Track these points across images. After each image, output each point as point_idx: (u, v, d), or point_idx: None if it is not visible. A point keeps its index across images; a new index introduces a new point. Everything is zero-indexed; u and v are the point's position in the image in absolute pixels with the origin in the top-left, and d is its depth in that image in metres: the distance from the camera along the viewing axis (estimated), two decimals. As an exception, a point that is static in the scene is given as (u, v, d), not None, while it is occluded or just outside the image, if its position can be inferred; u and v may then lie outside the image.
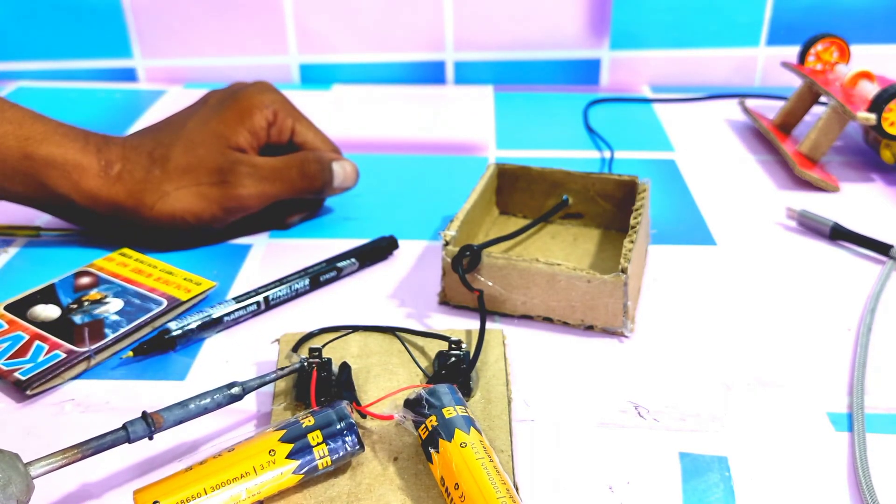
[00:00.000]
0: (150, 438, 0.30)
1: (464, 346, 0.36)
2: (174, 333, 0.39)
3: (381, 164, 0.62)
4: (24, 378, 0.36)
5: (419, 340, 0.39)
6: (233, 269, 0.47)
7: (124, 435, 0.30)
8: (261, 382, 0.34)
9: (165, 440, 0.34)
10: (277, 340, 0.39)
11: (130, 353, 0.39)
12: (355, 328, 0.39)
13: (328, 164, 0.49)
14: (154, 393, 0.37)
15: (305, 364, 0.35)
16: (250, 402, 0.36)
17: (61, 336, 0.39)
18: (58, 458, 0.29)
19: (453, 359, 0.36)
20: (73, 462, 0.29)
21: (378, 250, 0.48)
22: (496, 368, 0.37)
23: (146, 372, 0.38)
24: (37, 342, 0.39)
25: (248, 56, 0.80)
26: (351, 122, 0.70)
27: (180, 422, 0.31)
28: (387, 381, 0.36)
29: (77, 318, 0.41)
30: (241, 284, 0.46)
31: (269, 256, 0.49)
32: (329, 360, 0.35)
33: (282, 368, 0.35)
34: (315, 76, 0.81)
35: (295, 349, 0.38)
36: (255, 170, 0.47)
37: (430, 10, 0.77)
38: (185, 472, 0.29)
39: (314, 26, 0.78)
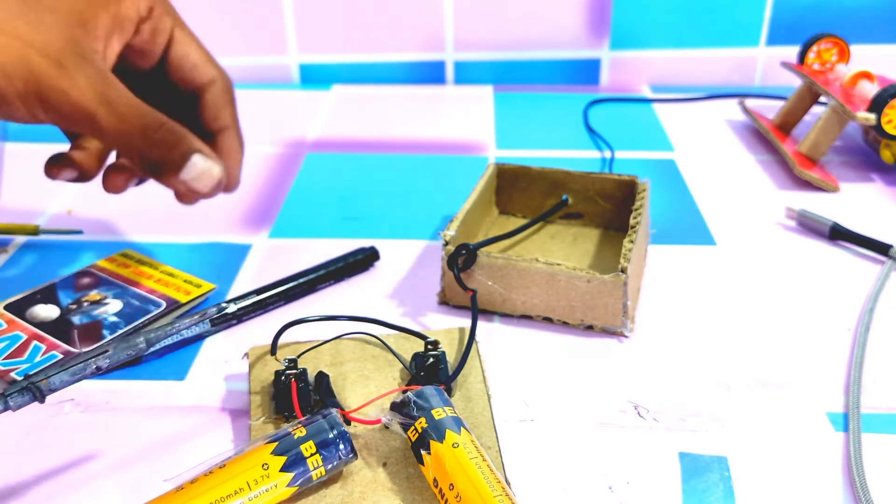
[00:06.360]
0: (41, 402, 0.28)
1: (440, 346, 0.36)
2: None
3: (381, 164, 0.62)
4: (19, 378, 0.36)
5: (392, 341, 0.39)
6: (232, 269, 0.47)
7: (4, 404, 0.28)
8: (167, 333, 0.31)
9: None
10: (247, 355, 0.38)
11: None
12: (319, 343, 0.38)
13: (187, 151, 0.35)
14: (154, 393, 0.37)
15: (283, 377, 0.34)
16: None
17: (59, 337, 0.39)
18: None
19: (431, 359, 0.36)
20: None
21: (356, 263, 0.46)
22: (471, 366, 0.37)
23: (146, 372, 0.38)
24: (34, 342, 0.39)
25: (248, 56, 0.80)
26: (351, 122, 0.70)
27: (73, 382, 0.29)
28: (364, 386, 0.36)
29: (76, 319, 0.41)
30: (240, 284, 0.46)
31: (268, 257, 0.49)
32: (305, 370, 0.35)
33: (186, 315, 0.32)
34: (315, 76, 0.81)
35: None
36: (101, 78, 0.33)
37: (430, 10, 0.77)
38: (175, 491, 0.28)
39: (314, 26, 0.78)
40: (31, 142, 0.65)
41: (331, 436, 0.30)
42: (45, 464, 0.33)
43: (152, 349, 0.31)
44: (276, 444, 0.30)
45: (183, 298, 0.43)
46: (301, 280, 0.44)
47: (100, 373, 0.29)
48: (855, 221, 0.51)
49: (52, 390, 0.29)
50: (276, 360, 0.37)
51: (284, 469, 0.29)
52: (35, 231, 0.50)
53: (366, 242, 0.49)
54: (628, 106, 0.74)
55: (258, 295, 0.42)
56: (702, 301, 0.44)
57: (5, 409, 0.28)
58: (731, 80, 0.80)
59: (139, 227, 0.52)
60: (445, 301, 0.43)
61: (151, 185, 0.51)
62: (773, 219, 0.53)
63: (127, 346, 0.30)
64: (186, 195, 0.35)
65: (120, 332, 0.40)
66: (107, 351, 0.30)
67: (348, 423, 0.33)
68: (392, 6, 0.77)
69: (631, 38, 0.78)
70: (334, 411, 0.31)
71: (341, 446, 0.30)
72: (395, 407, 0.32)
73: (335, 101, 0.76)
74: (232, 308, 0.41)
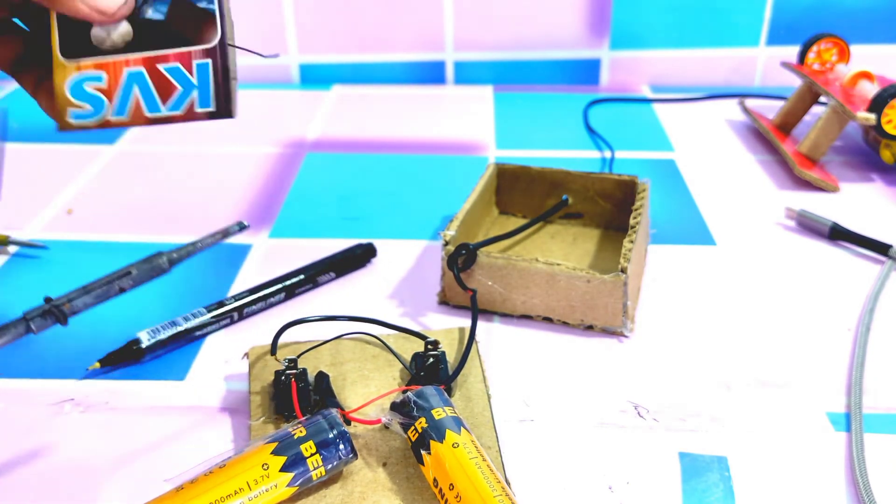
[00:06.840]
0: (64, 324, 0.27)
1: (440, 346, 0.36)
2: (143, 345, 0.38)
3: (381, 164, 0.62)
4: (223, 106, 0.30)
5: (392, 341, 0.39)
6: (233, 268, 0.47)
7: (25, 327, 0.27)
8: (189, 251, 0.30)
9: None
10: (247, 355, 0.38)
11: (97, 365, 0.38)
12: (321, 343, 0.38)
13: None
14: (154, 392, 0.37)
15: (283, 377, 0.34)
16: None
17: (168, 44, 0.32)
18: None
19: (431, 359, 0.36)
20: None
21: (354, 258, 0.47)
22: (471, 366, 0.37)
23: (145, 372, 0.38)
24: (161, 65, 0.31)
25: (248, 56, 0.80)
26: (351, 122, 0.70)
27: (96, 304, 0.28)
28: (364, 387, 0.36)
29: (150, 13, 0.32)
30: (240, 284, 0.46)
31: (269, 256, 0.49)
32: (305, 370, 0.35)
33: (209, 236, 0.31)
34: (315, 76, 0.81)
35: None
36: None
37: (430, 10, 0.77)
38: (175, 491, 0.28)
39: (314, 26, 0.78)
40: (31, 142, 0.65)
41: (331, 436, 0.30)
42: (46, 464, 0.33)
43: (174, 268, 0.30)
44: (276, 444, 0.30)
45: None
46: (302, 276, 0.44)
47: (122, 293, 0.28)
48: (855, 221, 0.51)
49: (75, 313, 0.28)
50: (276, 360, 0.37)
51: (284, 469, 0.29)
52: (4, 241, 0.49)
53: (366, 242, 0.49)
54: (628, 106, 0.74)
55: (260, 291, 0.43)
56: (702, 301, 0.44)
57: (27, 332, 0.27)
58: (731, 80, 0.80)
59: (140, 226, 0.52)
60: (445, 301, 0.43)
61: (153, 185, 0.51)
62: (773, 219, 0.53)
63: (150, 268, 0.29)
64: (89, 16, 0.33)
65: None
66: (130, 272, 0.28)
67: (348, 423, 0.33)
68: (392, 6, 0.77)
69: (631, 38, 0.78)
70: (334, 411, 0.31)
71: (341, 446, 0.30)
72: (395, 407, 0.32)
73: (335, 101, 0.76)
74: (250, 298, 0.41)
